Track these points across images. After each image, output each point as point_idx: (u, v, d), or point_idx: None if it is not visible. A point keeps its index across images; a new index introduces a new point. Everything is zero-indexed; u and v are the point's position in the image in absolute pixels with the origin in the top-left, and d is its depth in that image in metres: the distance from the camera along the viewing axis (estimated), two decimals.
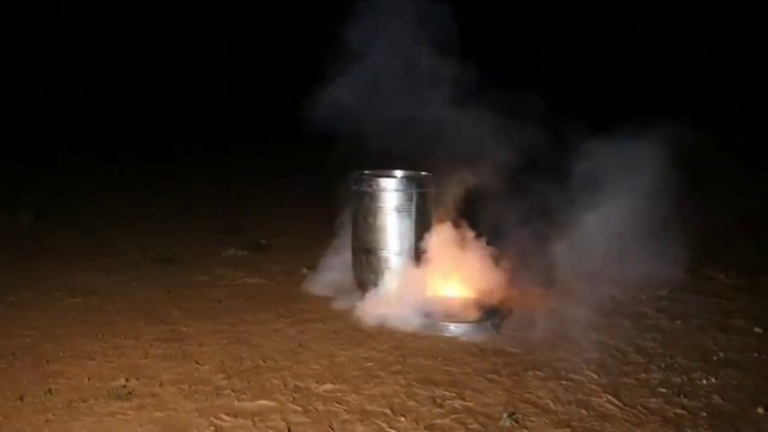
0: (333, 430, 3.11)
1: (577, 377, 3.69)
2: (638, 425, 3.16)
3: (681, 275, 5.41)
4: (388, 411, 3.28)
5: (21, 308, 4.65)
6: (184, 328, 4.31)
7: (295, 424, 3.14)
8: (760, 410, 3.29)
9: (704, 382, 3.63)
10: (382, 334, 4.25)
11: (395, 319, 4.38)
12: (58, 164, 9.81)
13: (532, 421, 3.20)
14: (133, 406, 3.31)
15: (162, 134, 10.90)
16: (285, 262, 5.83)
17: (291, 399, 3.38)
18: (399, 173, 5.00)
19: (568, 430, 3.12)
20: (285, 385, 3.54)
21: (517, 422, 3.18)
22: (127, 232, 6.83)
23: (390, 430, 3.11)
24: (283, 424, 3.14)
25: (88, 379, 3.58)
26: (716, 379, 3.66)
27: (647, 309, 4.80)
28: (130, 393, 3.43)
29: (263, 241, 6.59)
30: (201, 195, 8.61)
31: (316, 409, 3.29)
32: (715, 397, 3.45)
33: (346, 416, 3.23)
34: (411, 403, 3.36)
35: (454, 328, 4.29)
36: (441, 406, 3.34)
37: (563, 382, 3.63)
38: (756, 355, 3.99)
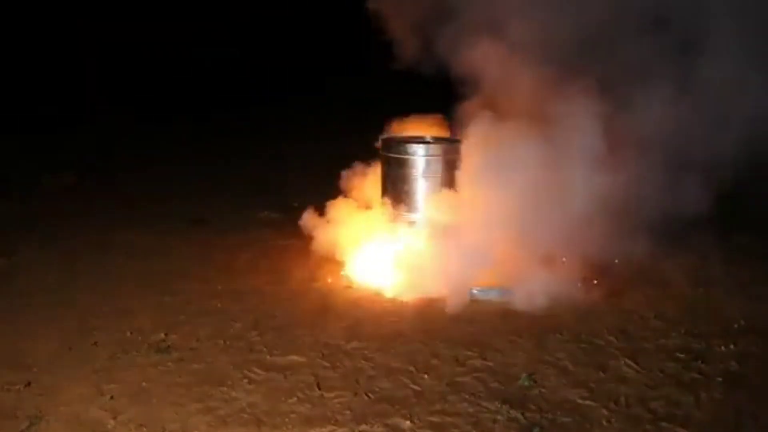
0: (359, 384, 3.28)
1: (597, 341, 3.80)
2: (653, 388, 3.27)
3: (712, 242, 5.43)
4: (411, 368, 3.44)
5: (64, 265, 4.89)
6: (219, 287, 4.51)
7: (323, 379, 3.32)
8: None
9: (723, 348, 3.70)
10: (409, 295, 4.39)
11: (422, 281, 4.51)
12: (101, 127, 9.98)
13: (550, 381, 3.33)
14: (173, 358, 3.53)
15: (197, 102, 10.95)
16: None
17: (320, 355, 3.57)
18: (426, 138, 5.04)
19: (584, 390, 3.24)
20: (315, 342, 3.72)
21: (535, 382, 3.31)
22: (166, 192, 7.02)
23: (413, 386, 3.27)
24: (312, 378, 3.33)
25: (130, 333, 3.81)
26: (735, 346, 3.73)
27: (673, 276, 4.84)
28: (169, 347, 3.65)
29: (295, 204, 6.71)
30: (237, 157, 8.74)
31: (344, 365, 3.46)
32: (733, 363, 3.53)
33: (372, 372, 3.40)
34: (434, 362, 3.51)
35: (478, 292, 4.41)
36: (463, 364, 3.49)
37: (583, 346, 3.74)
38: None
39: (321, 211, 5.91)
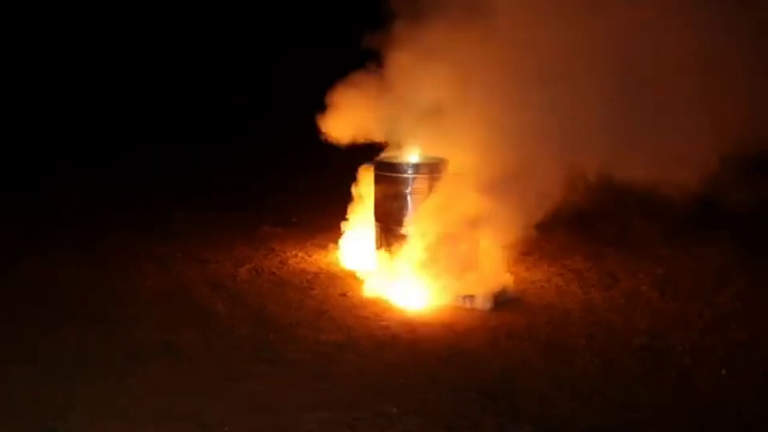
0: (353, 378, 3.68)
1: (567, 343, 4.20)
2: (612, 380, 3.70)
3: (679, 254, 5.85)
4: (400, 365, 3.84)
5: (77, 272, 5.28)
6: (224, 294, 4.90)
7: (320, 373, 3.73)
8: (724, 371, 3.78)
9: (680, 347, 4.11)
10: (398, 302, 4.79)
11: (410, 290, 4.90)
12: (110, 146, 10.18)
13: (522, 376, 3.74)
14: (184, 357, 3.92)
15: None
16: (312, 238, 6.33)
17: (318, 354, 3.98)
18: (417, 158, 5.45)
19: (552, 383, 3.65)
20: (313, 342, 4.13)
21: (508, 377, 3.71)
22: (172, 207, 7.35)
23: (401, 380, 3.68)
24: (310, 373, 3.74)
25: (144, 334, 4.20)
26: (691, 345, 4.14)
27: (643, 286, 5.24)
28: (180, 347, 4.04)
29: (294, 219, 7.09)
30: (238, 179, 9.00)
31: (339, 362, 3.88)
32: (687, 359, 3.95)
33: (365, 368, 3.81)
34: (420, 360, 3.92)
35: (462, 300, 4.79)
36: (445, 362, 3.89)
37: (554, 347, 4.14)
38: (733, 326, 4.44)
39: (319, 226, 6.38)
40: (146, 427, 3.19)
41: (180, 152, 9.26)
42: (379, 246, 5.38)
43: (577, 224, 6.28)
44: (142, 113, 10.37)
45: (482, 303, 4.76)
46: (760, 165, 5.11)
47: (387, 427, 3.19)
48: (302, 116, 5.70)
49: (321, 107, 5.43)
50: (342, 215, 5.90)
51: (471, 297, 4.79)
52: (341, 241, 5.85)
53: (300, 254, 5.94)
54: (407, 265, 5.11)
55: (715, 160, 4.74)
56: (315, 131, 5.51)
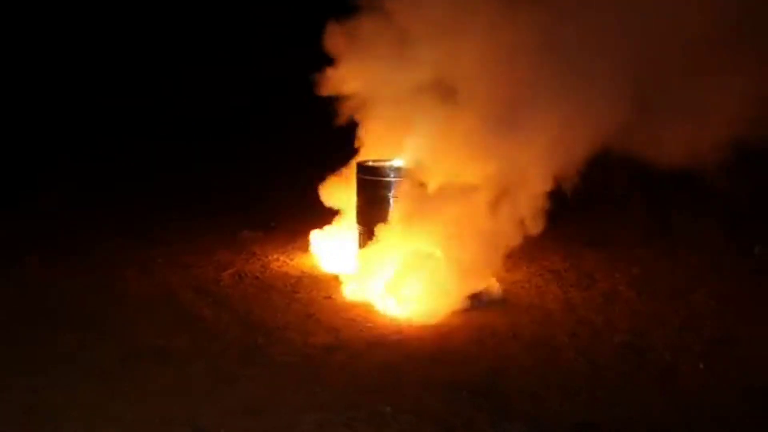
0: (346, 379, 3.72)
1: (552, 342, 4.30)
2: (598, 377, 3.80)
3: (654, 255, 6.02)
4: (391, 366, 3.89)
5: (72, 279, 5.26)
6: (210, 299, 4.90)
7: (314, 375, 3.77)
8: (701, 365, 3.92)
9: (660, 345, 4.24)
10: (382, 305, 4.84)
11: (394, 291, 4.95)
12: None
13: (511, 375, 3.82)
14: (176, 361, 3.92)
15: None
16: (293, 242, 6.36)
17: (309, 355, 4.01)
18: (397, 162, 5.51)
19: (541, 381, 3.74)
20: (303, 344, 4.17)
21: (499, 376, 3.79)
22: (153, 213, 7.33)
23: (393, 380, 3.72)
24: (304, 374, 3.78)
25: (135, 340, 4.18)
26: (670, 341, 4.28)
27: (620, 286, 5.38)
28: (172, 351, 4.03)
29: (272, 224, 7.10)
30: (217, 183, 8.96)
31: (331, 364, 3.92)
32: (667, 356, 4.07)
33: (357, 370, 3.85)
34: (410, 360, 3.97)
35: (450, 303, 4.85)
36: (436, 362, 3.96)
37: (540, 347, 4.23)
38: (708, 322, 4.60)
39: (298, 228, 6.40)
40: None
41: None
42: (362, 246, 5.42)
43: (553, 224, 6.42)
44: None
45: (466, 304, 4.83)
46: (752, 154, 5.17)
47: (383, 426, 3.24)
48: (302, 116, 5.75)
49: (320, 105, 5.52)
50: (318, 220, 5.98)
51: (456, 298, 4.85)
52: (322, 244, 5.90)
53: (282, 258, 5.98)
54: (388, 272, 5.14)
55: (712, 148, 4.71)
56: (314, 131, 5.56)
